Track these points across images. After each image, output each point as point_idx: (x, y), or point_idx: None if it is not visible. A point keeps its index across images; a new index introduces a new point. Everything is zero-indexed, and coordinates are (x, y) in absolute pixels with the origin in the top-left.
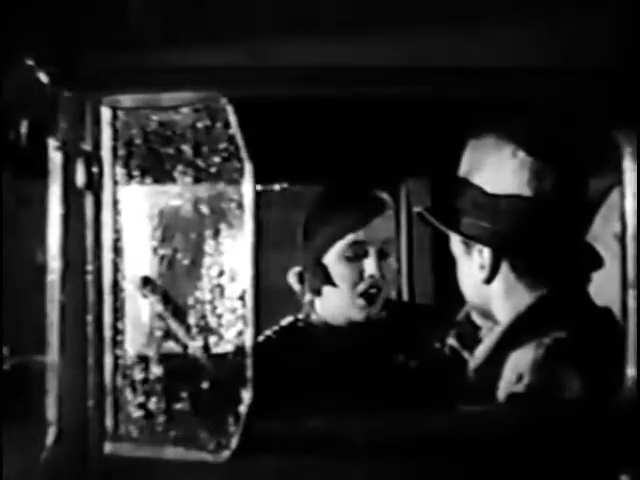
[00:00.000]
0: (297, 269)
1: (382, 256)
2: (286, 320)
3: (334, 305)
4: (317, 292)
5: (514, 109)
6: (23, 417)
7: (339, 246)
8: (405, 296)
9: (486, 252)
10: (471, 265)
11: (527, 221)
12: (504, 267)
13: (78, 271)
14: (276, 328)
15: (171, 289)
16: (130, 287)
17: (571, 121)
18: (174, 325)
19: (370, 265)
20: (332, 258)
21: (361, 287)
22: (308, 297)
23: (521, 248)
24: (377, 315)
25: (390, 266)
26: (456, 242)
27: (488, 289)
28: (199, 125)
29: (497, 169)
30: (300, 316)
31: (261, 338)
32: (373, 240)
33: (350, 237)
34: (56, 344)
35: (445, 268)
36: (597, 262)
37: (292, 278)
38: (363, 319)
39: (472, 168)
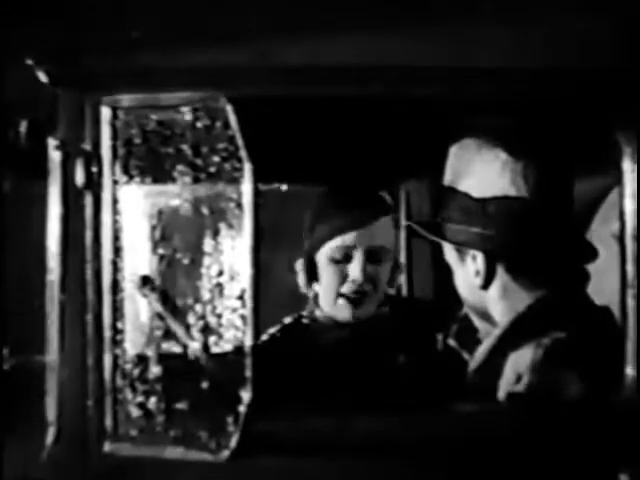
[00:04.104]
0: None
1: (371, 261)
2: (290, 317)
3: (323, 304)
4: (311, 290)
5: (513, 110)
6: (23, 417)
7: (328, 246)
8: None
9: (479, 258)
10: (466, 272)
11: (517, 222)
12: (500, 270)
13: (77, 271)
14: (281, 325)
15: (170, 289)
16: (129, 287)
17: (569, 121)
18: (173, 325)
19: (354, 269)
20: (322, 257)
21: (342, 289)
22: (312, 291)
23: (514, 250)
24: (366, 315)
25: (382, 271)
26: (450, 251)
27: (485, 293)
28: (199, 125)
29: (481, 173)
30: (304, 312)
31: (265, 337)
32: (361, 245)
33: (338, 239)
34: (56, 344)
35: (445, 269)
36: (591, 254)
37: (299, 267)
38: (350, 320)
39: (457, 175)
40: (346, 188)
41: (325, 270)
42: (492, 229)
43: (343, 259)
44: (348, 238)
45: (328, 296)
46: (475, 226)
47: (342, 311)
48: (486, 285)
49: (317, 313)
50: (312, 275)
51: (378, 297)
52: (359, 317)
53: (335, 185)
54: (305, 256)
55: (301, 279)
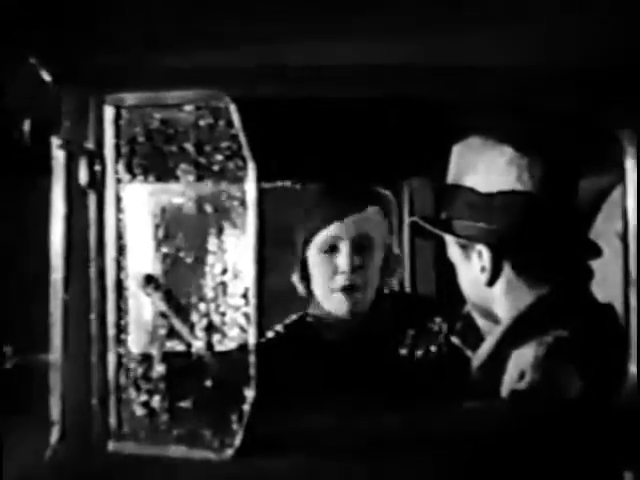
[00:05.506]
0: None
1: (358, 251)
2: (295, 315)
3: (320, 300)
4: (307, 288)
5: (513, 110)
6: (26, 416)
7: (317, 239)
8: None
9: (486, 254)
10: (471, 269)
11: (522, 217)
12: (505, 266)
13: (81, 269)
14: (285, 324)
15: (174, 287)
16: (133, 285)
17: (572, 119)
18: (177, 323)
19: (341, 260)
20: (312, 252)
21: (335, 283)
22: (308, 291)
23: (520, 245)
24: (362, 309)
25: (370, 260)
26: (453, 248)
27: (490, 290)
28: (202, 123)
29: (487, 169)
30: (309, 311)
31: (269, 335)
32: (346, 235)
33: (324, 231)
34: (59, 342)
35: (447, 266)
36: (595, 251)
37: (295, 276)
38: (347, 313)
39: (460, 174)
40: (335, 183)
41: (316, 265)
42: (498, 224)
43: (330, 250)
44: (333, 229)
45: (323, 291)
46: (480, 221)
47: (338, 305)
48: (492, 281)
49: (318, 311)
50: (304, 276)
51: (371, 289)
52: (356, 311)
53: (326, 181)
54: (296, 256)
55: (296, 282)
